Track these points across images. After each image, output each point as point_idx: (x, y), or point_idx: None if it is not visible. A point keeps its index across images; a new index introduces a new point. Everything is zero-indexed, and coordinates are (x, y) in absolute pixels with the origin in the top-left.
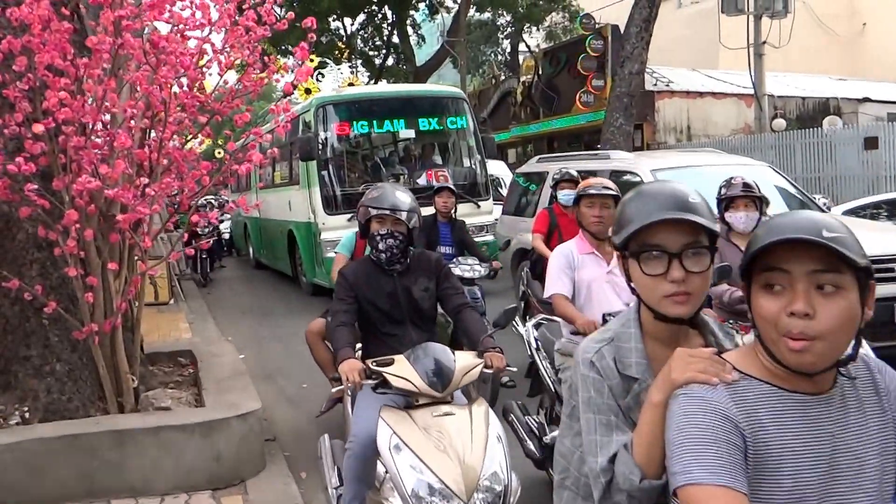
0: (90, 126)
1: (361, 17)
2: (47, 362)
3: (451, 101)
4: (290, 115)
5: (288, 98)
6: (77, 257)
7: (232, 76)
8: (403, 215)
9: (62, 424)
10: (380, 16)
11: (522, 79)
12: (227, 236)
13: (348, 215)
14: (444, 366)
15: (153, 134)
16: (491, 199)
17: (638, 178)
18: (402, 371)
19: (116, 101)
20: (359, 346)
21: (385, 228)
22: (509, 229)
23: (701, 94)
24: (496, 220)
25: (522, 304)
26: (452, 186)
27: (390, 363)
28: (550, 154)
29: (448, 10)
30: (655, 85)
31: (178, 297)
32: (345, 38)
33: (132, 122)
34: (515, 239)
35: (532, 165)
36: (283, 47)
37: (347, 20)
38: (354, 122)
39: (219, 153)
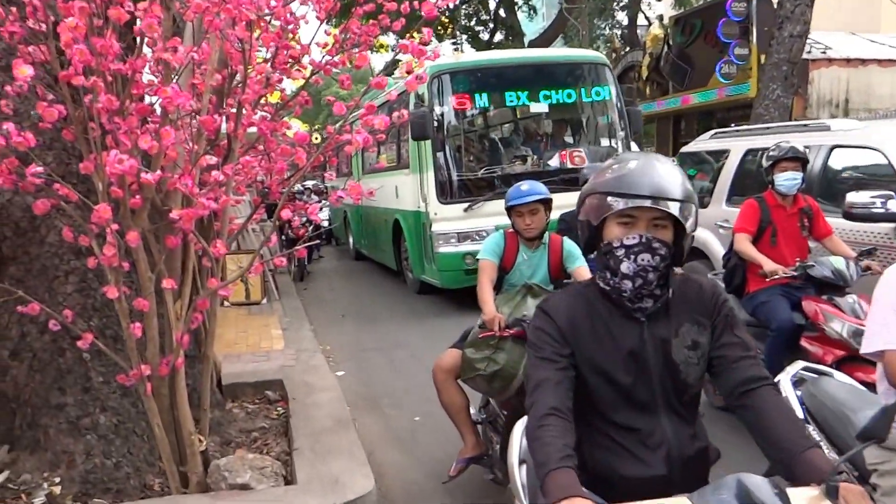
0: (128, 78)
1: None
2: (87, 413)
3: (591, 68)
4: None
5: (428, 44)
6: (119, 270)
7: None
8: (674, 208)
9: None
10: None
11: (648, 50)
12: (325, 224)
13: (465, 204)
14: None
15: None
16: None
17: (882, 157)
18: None
19: (176, 43)
20: None
21: (635, 236)
22: None
23: (863, 62)
24: None
25: None
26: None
27: None
28: (725, 129)
29: None
30: (810, 52)
31: (272, 295)
32: (447, 13)
33: (198, 76)
34: None
35: (704, 143)
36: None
37: None
38: (476, 94)
39: (315, 138)
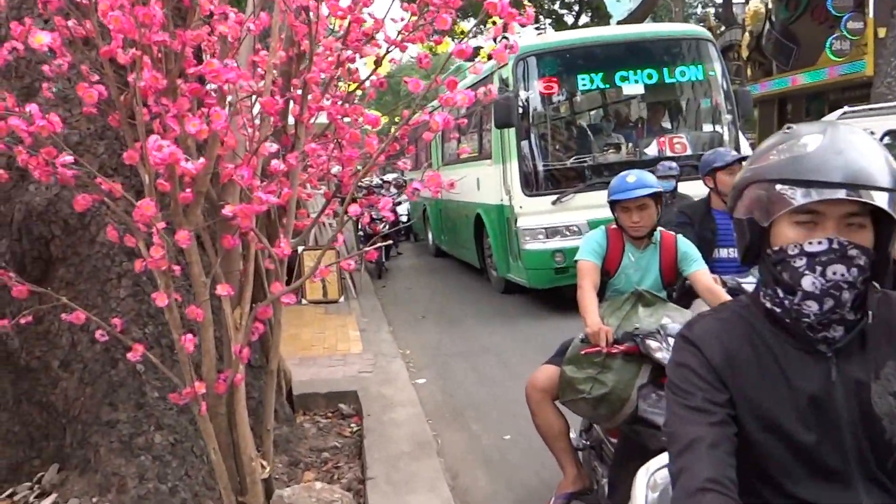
0: (178, 54)
1: None
2: (141, 431)
3: (693, 44)
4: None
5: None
6: (169, 275)
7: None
8: (882, 200)
9: None
10: None
11: (748, 28)
12: (403, 219)
13: (553, 197)
14: None
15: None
16: None
17: None
18: None
19: (225, 10)
20: None
21: (822, 240)
22: None
23: None
24: None
25: None
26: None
27: None
28: (857, 108)
29: None
30: None
31: (350, 293)
32: None
33: (261, 52)
34: None
35: None
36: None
37: None
38: (566, 77)
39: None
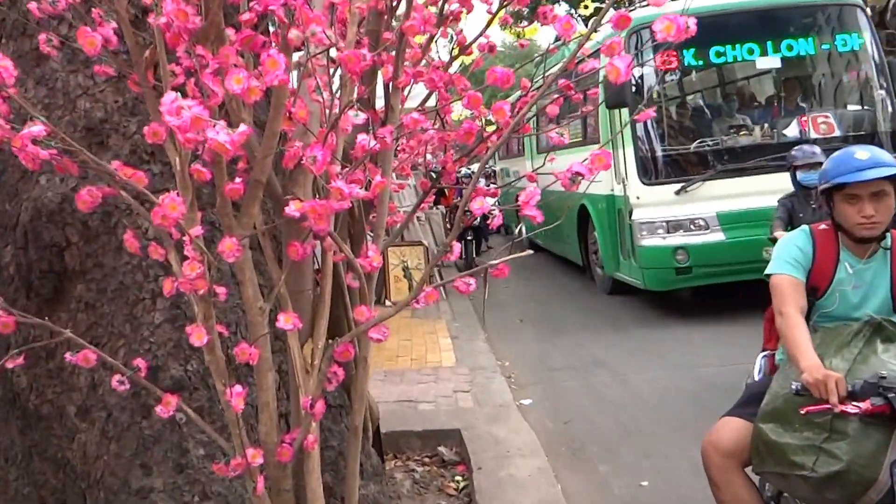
0: None
1: None
2: (183, 501)
3: (838, 11)
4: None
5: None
6: (208, 300)
7: None
8: None
9: None
10: None
11: (869, 3)
12: (495, 211)
13: (676, 186)
14: None
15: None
16: None
17: None
18: None
19: None
20: None
21: None
22: None
23: None
24: None
25: None
26: None
27: None
28: None
29: None
30: None
31: (439, 293)
32: None
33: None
34: None
35: None
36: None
37: None
38: (686, 51)
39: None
